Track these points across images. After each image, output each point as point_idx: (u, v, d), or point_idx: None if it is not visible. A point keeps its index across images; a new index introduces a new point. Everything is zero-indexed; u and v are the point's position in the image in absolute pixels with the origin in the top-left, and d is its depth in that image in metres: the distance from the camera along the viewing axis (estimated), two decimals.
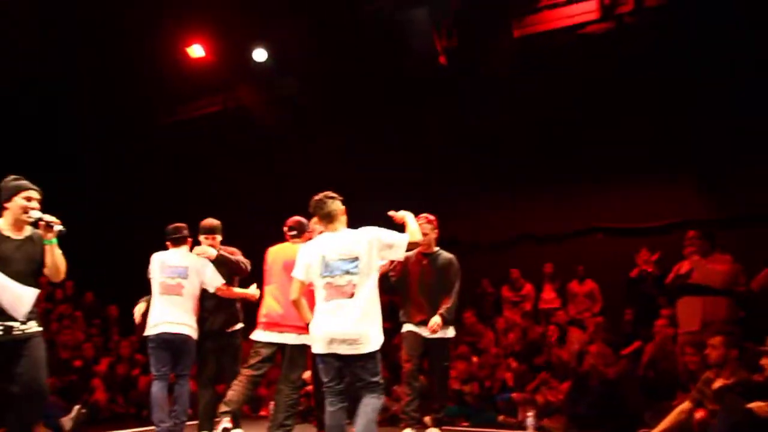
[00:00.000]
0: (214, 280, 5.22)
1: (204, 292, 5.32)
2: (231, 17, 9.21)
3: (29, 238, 3.62)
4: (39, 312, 3.69)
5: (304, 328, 4.19)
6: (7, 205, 3.62)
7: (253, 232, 6.69)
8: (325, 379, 3.82)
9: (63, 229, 3.58)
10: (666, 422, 4.89)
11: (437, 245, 5.44)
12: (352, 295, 3.70)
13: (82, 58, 9.68)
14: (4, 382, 3.48)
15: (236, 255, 5.45)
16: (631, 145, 8.66)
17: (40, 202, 3.67)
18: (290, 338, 4.84)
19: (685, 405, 4.88)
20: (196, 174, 11.19)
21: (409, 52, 8.91)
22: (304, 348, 4.74)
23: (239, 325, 5.51)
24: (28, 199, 3.60)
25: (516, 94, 9.13)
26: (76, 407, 6.52)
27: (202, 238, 5.40)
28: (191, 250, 5.36)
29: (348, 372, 3.76)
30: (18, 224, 3.61)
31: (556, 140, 9.19)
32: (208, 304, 5.36)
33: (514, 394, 6.99)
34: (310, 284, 3.96)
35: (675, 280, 5.88)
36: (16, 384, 3.46)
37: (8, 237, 3.57)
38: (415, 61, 9.04)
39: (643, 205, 8.97)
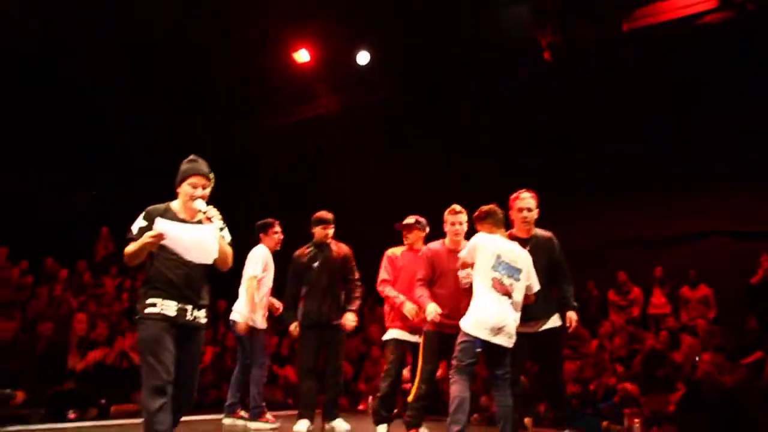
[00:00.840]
0: None
1: (308, 284, 5.51)
2: (335, 21, 9.45)
3: (200, 223, 3.54)
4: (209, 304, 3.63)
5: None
6: (178, 189, 3.59)
7: (359, 234, 6.70)
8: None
9: (220, 222, 3.51)
10: None
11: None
12: (510, 295, 4.18)
13: (196, 61, 10.22)
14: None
15: (350, 256, 5.67)
16: (754, 147, 8.10)
17: (207, 187, 3.56)
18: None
19: None
20: (298, 176, 11.55)
21: (512, 49, 8.78)
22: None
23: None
24: (194, 186, 3.51)
25: (625, 91, 8.77)
26: None
27: (318, 228, 5.56)
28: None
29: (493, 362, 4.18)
30: (188, 210, 3.54)
31: (669, 141, 8.73)
32: (311, 296, 5.51)
33: (626, 388, 6.69)
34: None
35: None
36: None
37: (183, 220, 3.51)
38: (518, 57, 8.90)
39: (763, 209, 8.36)
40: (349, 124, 10.79)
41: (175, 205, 3.57)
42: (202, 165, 3.59)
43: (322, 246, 5.62)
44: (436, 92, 9.91)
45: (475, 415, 6.69)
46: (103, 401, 6.17)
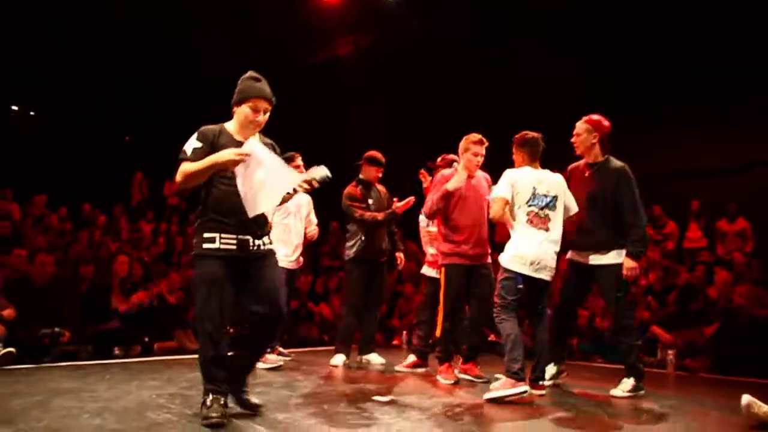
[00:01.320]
0: None
1: (351, 222, 5.69)
2: None
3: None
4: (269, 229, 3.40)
5: None
6: (235, 109, 3.29)
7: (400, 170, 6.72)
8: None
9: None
10: None
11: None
12: (548, 228, 4.23)
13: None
14: (245, 301, 3.25)
15: (391, 198, 5.79)
16: None
17: (268, 112, 3.28)
18: None
19: None
20: (332, 113, 11.44)
21: None
22: None
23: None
24: (255, 109, 3.22)
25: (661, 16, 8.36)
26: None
27: (372, 169, 5.72)
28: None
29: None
30: (244, 132, 3.26)
31: (707, 69, 8.36)
32: (368, 232, 5.60)
33: (654, 332, 6.68)
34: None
35: None
36: (256, 304, 3.21)
37: (240, 142, 3.20)
38: None
39: None
40: (376, 62, 10.60)
41: (230, 126, 3.29)
42: (266, 86, 3.27)
43: (369, 185, 5.74)
44: (473, 24, 9.58)
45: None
46: (146, 339, 6.39)
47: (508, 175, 4.29)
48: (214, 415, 3.05)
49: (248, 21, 10.22)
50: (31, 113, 12.63)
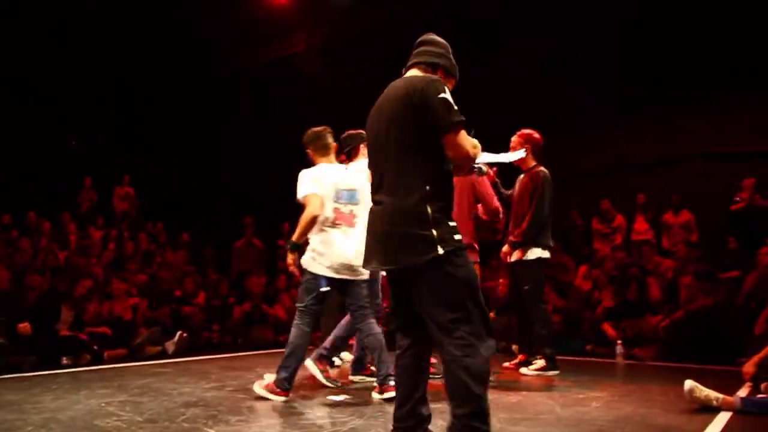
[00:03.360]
0: None
1: None
2: None
3: None
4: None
5: None
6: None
7: None
8: None
9: None
10: (767, 350, 4.66)
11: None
12: (353, 225, 4.02)
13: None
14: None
15: None
16: (736, 63, 8.03)
17: None
18: None
19: None
20: (282, 115, 11.36)
21: None
22: None
23: None
24: None
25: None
26: (179, 333, 6.96)
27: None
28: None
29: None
30: None
31: (645, 60, 8.62)
32: None
33: (603, 325, 6.86)
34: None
35: None
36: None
37: None
38: None
39: (744, 129, 8.36)
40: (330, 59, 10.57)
41: None
42: None
43: None
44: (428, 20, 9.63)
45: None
46: (95, 347, 6.24)
47: (305, 174, 4.03)
48: None
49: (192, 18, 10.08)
50: None
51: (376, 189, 2.61)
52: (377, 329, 4.00)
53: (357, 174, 4.10)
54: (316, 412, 3.61)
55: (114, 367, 5.73)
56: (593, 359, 6.43)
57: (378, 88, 2.71)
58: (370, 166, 2.72)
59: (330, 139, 4.20)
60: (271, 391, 3.87)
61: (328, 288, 3.94)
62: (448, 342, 2.39)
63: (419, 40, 2.75)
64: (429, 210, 2.43)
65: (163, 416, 3.40)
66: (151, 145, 11.65)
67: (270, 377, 4.01)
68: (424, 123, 2.44)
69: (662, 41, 8.48)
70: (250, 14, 10.07)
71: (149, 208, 11.30)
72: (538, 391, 4.39)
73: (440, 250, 2.39)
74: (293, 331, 3.92)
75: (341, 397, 4.05)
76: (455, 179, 2.62)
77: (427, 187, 2.44)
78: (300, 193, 3.95)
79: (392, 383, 3.70)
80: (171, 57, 10.63)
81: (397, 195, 2.47)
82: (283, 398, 3.84)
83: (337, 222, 3.98)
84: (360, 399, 4.00)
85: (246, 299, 8.49)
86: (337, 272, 3.92)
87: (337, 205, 4.00)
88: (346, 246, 3.93)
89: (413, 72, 2.65)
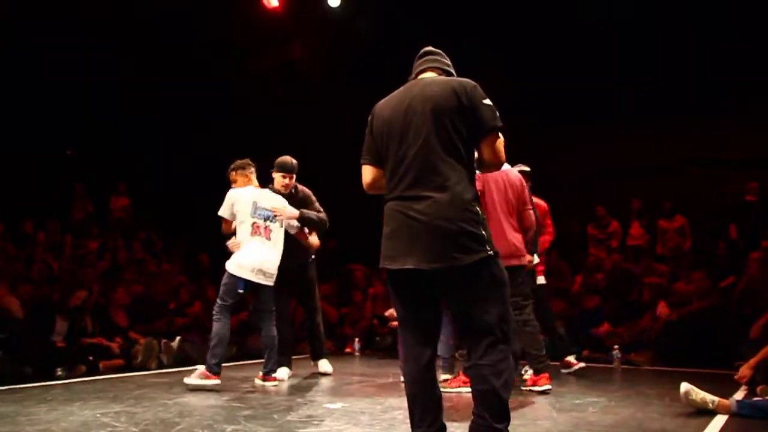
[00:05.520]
0: None
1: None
2: None
3: None
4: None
5: None
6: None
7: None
8: None
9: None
10: (763, 353, 4.66)
11: None
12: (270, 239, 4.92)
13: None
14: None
15: (313, 198, 5.41)
16: (733, 69, 8.09)
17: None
18: None
19: None
20: (271, 122, 11.33)
21: None
22: None
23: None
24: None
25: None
26: (178, 338, 6.95)
27: (278, 176, 5.23)
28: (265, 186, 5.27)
29: None
30: None
31: (645, 67, 8.67)
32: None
33: (599, 329, 6.86)
34: None
35: None
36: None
37: None
38: None
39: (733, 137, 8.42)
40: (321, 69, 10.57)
41: None
42: None
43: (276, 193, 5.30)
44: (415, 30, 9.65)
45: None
46: (91, 358, 6.19)
47: (229, 194, 4.92)
48: None
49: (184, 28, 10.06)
50: None
51: (407, 186, 2.45)
52: (275, 332, 4.92)
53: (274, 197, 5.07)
54: (313, 420, 3.59)
55: (109, 378, 5.70)
56: (590, 364, 6.41)
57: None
58: (381, 161, 2.59)
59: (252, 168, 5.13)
60: (206, 377, 4.58)
61: (243, 290, 4.77)
62: (487, 343, 2.36)
63: (424, 50, 2.77)
64: (480, 210, 2.42)
65: (159, 426, 3.38)
66: (149, 153, 11.62)
67: (198, 371, 4.69)
68: (468, 124, 2.45)
69: (661, 47, 8.51)
70: (248, 21, 10.08)
71: (144, 217, 11.25)
72: (536, 396, 4.38)
73: (490, 251, 2.38)
74: (217, 324, 4.67)
75: (338, 405, 4.04)
76: None
77: (474, 187, 2.46)
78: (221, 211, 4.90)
79: (274, 375, 4.93)
80: (170, 61, 10.61)
81: (450, 191, 2.38)
82: (216, 381, 4.57)
83: (254, 233, 4.86)
84: (356, 407, 3.98)
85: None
86: (254, 276, 4.75)
87: (254, 220, 4.86)
88: (261, 254, 4.79)
89: (430, 75, 2.65)
